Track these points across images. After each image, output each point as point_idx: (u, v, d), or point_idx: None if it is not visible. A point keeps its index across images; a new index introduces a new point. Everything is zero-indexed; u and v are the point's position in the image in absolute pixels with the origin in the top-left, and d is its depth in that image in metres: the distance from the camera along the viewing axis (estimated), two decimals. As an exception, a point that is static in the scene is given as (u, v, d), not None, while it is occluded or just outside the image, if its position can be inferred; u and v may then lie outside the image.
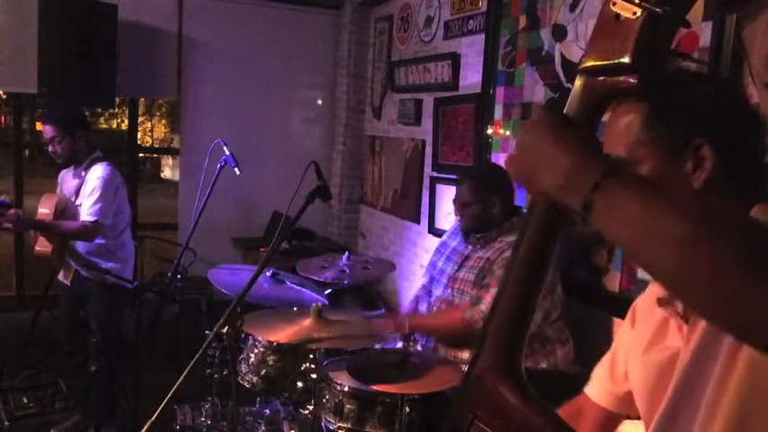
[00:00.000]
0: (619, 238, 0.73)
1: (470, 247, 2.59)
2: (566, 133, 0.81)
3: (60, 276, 3.45)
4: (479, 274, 2.45)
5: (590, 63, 0.84)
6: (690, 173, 0.94)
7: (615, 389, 1.20)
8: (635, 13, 0.78)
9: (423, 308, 2.74)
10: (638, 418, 1.11)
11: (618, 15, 0.79)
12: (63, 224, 3.19)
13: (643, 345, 1.07)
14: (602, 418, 1.23)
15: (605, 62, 0.82)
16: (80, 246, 3.24)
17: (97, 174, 3.18)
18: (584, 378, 1.27)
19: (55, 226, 3.18)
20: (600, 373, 1.25)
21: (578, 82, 0.87)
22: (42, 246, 3.23)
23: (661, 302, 1.00)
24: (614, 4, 0.80)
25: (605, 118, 0.97)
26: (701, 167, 0.93)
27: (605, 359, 1.25)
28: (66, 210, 3.23)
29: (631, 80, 0.80)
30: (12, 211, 3.08)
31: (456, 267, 2.58)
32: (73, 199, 3.26)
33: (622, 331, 1.21)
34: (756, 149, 0.99)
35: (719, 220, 0.65)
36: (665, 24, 0.78)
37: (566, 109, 0.88)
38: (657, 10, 0.76)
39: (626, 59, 0.79)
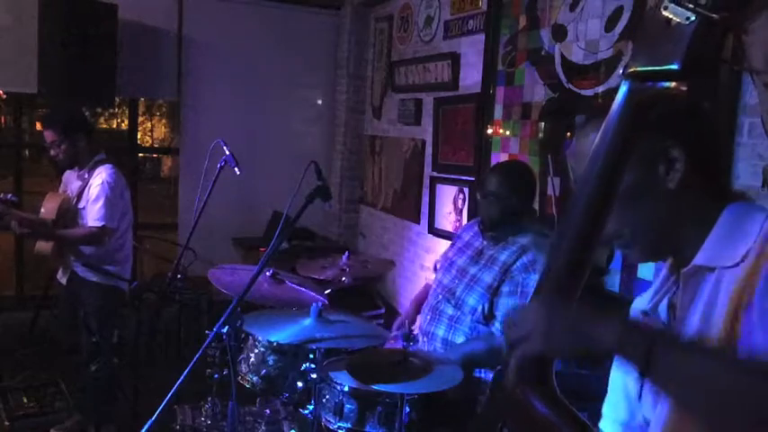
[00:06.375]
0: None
1: (485, 242, 2.58)
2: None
3: (59, 275, 3.45)
4: (498, 278, 2.42)
5: (637, 68, 0.82)
6: (663, 176, 0.94)
7: (622, 418, 1.17)
8: (688, 19, 0.75)
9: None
10: None
11: (669, 20, 0.76)
12: (71, 233, 3.21)
13: None
14: None
15: (653, 68, 0.79)
16: (82, 247, 3.25)
17: (100, 178, 3.19)
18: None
19: (64, 236, 3.20)
20: (608, 406, 1.23)
21: (623, 87, 0.85)
22: (42, 245, 3.24)
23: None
24: (665, 8, 0.76)
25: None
26: (673, 169, 0.93)
27: (608, 391, 1.23)
28: (68, 211, 3.24)
29: (683, 87, 0.78)
30: (16, 212, 3.08)
31: (468, 260, 2.57)
32: (75, 200, 3.27)
33: None
34: (716, 144, 1.01)
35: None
36: (718, 30, 0.75)
37: (608, 115, 0.86)
38: (714, 16, 0.73)
39: (675, 66, 0.76)
